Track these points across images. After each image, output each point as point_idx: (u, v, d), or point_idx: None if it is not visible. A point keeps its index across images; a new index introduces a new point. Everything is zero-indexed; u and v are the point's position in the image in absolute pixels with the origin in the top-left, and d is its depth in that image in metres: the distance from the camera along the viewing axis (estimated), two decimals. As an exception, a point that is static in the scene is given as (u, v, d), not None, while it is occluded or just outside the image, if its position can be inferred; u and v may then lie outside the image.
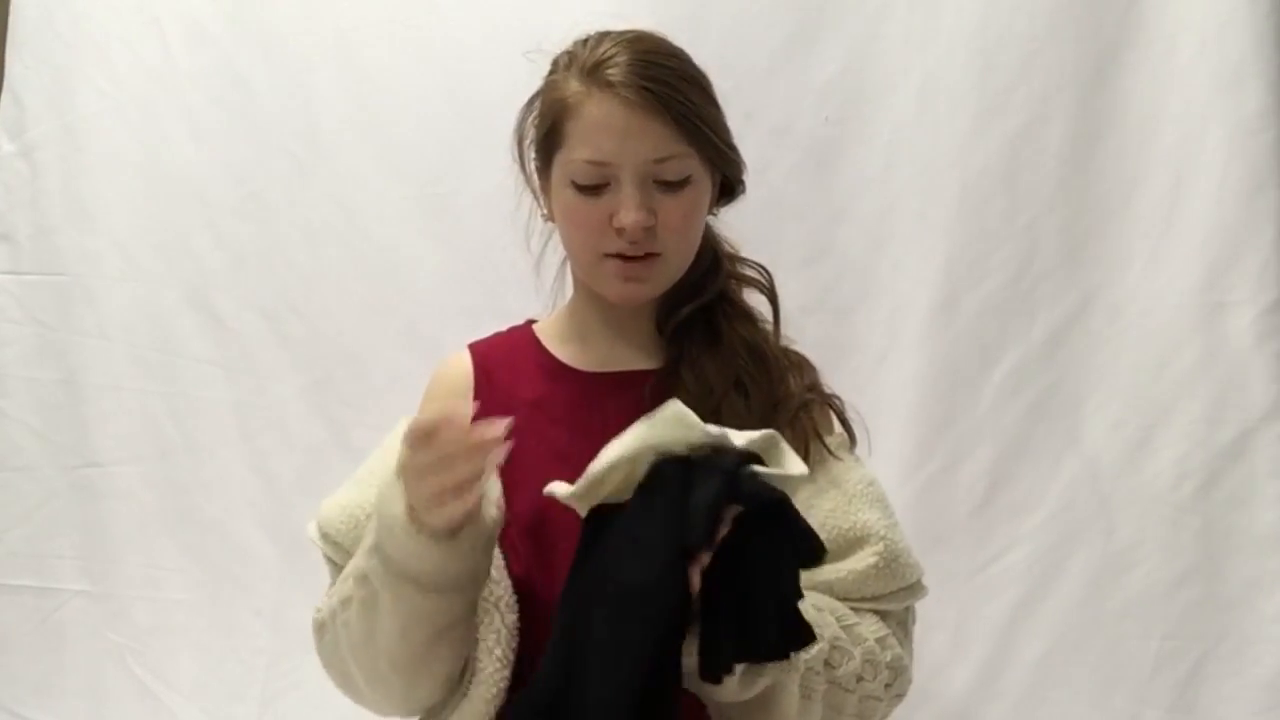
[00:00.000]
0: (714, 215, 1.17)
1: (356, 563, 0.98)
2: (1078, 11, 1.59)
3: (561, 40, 1.13)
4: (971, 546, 1.56)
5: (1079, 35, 1.59)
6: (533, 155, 1.13)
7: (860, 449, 1.16)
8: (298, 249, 1.69)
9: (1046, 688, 1.52)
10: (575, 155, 1.06)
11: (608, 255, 1.06)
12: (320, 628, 1.04)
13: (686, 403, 0.90)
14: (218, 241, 1.71)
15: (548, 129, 1.09)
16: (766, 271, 1.19)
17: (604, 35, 1.09)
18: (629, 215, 1.03)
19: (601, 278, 1.09)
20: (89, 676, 1.67)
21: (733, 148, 1.13)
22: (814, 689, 0.98)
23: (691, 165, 1.06)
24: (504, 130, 1.18)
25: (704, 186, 1.09)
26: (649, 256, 1.07)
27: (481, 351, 1.15)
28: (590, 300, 1.14)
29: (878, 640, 1.03)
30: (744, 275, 1.18)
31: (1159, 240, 1.56)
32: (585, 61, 1.06)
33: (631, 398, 1.04)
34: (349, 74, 1.69)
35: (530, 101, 1.13)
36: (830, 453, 1.09)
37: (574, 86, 1.06)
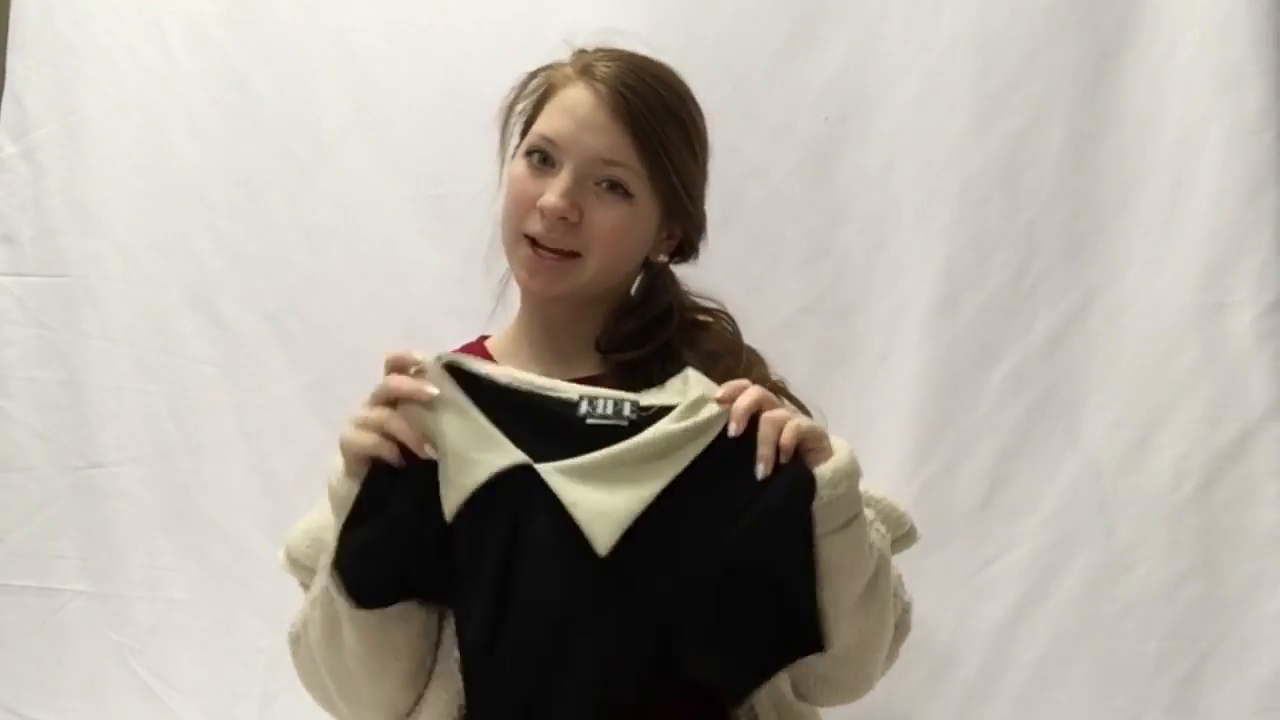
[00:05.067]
0: (662, 263, 1.16)
1: (318, 579, 0.99)
2: (1078, 11, 1.58)
3: (560, 43, 1.15)
4: (971, 546, 1.55)
5: (1079, 35, 1.58)
6: (519, 130, 1.15)
7: (861, 447, 1.15)
8: (298, 249, 1.69)
9: (1046, 688, 1.52)
10: (536, 128, 1.09)
11: (525, 235, 1.08)
12: (295, 641, 1.05)
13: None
14: (218, 242, 1.71)
15: (534, 104, 1.13)
16: (730, 318, 1.18)
17: (621, 50, 1.12)
18: (550, 198, 1.05)
19: (515, 261, 1.11)
20: (90, 676, 1.67)
21: (695, 202, 1.13)
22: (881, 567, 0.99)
23: (638, 185, 1.07)
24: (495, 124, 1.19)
25: (645, 213, 1.09)
26: (568, 256, 1.07)
27: None
28: (532, 312, 1.15)
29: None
30: (704, 323, 1.16)
31: (1159, 240, 1.56)
32: (586, 56, 1.11)
33: None
34: (349, 74, 1.69)
35: (530, 74, 1.15)
36: None
37: (565, 72, 1.11)
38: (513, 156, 1.15)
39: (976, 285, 1.59)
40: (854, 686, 1.07)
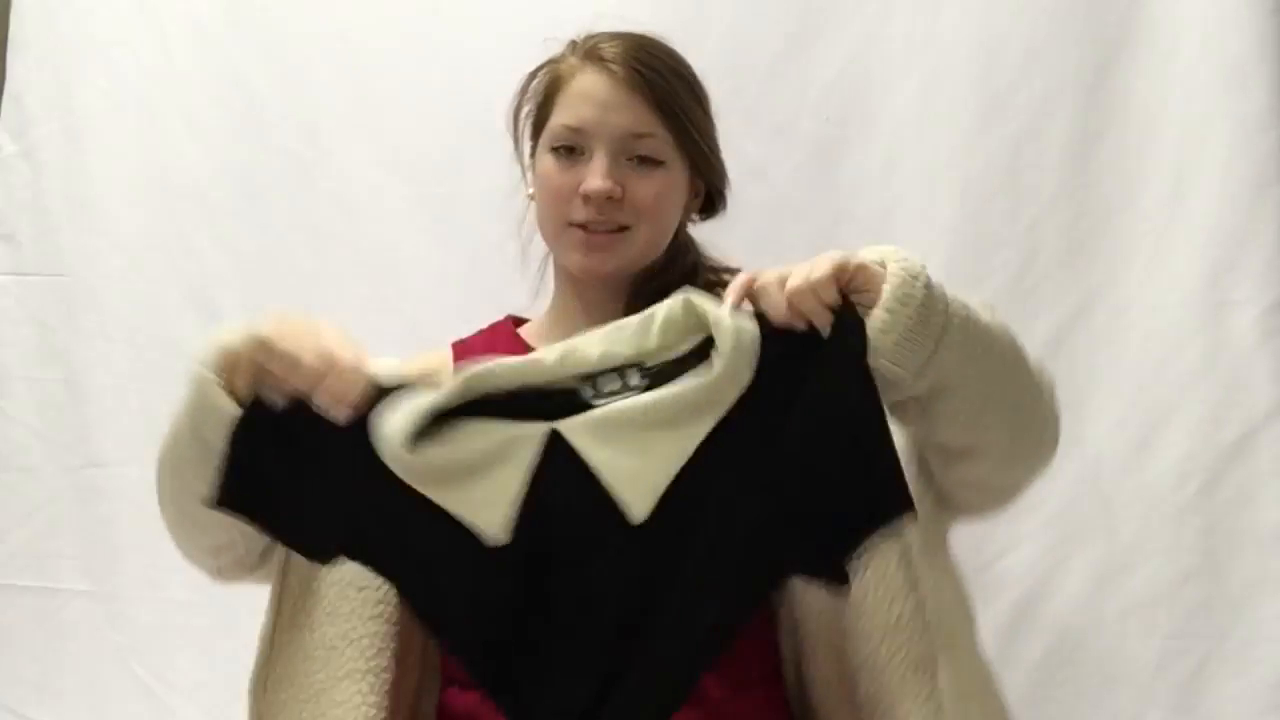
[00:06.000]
0: (694, 222, 1.19)
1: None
2: (1079, 11, 1.58)
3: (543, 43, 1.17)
4: (973, 546, 1.53)
5: (1080, 35, 1.58)
6: (528, 132, 1.17)
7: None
8: (298, 249, 1.69)
9: (1048, 688, 1.51)
10: (557, 121, 1.11)
11: (572, 224, 1.10)
12: (159, 461, 1.06)
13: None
14: (218, 241, 1.71)
15: (541, 100, 1.16)
16: None
17: (614, 31, 1.15)
18: (594, 182, 1.07)
19: (564, 248, 1.12)
20: (90, 676, 1.67)
21: (716, 155, 1.16)
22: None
23: (668, 151, 1.10)
24: (505, 130, 1.19)
25: (678, 176, 1.12)
26: (618, 231, 1.09)
27: (461, 351, 1.17)
28: (568, 292, 1.16)
29: None
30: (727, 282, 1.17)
31: (1161, 240, 1.55)
32: (586, 43, 1.14)
33: None
34: (349, 74, 1.69)
35: (531, 75, 1.17)
36: None
37: (570, 62, 1.14)
38: (531, 156, 1.17)
39: (978, 285, 1.58)
40: (1007, 467, 1.01)
